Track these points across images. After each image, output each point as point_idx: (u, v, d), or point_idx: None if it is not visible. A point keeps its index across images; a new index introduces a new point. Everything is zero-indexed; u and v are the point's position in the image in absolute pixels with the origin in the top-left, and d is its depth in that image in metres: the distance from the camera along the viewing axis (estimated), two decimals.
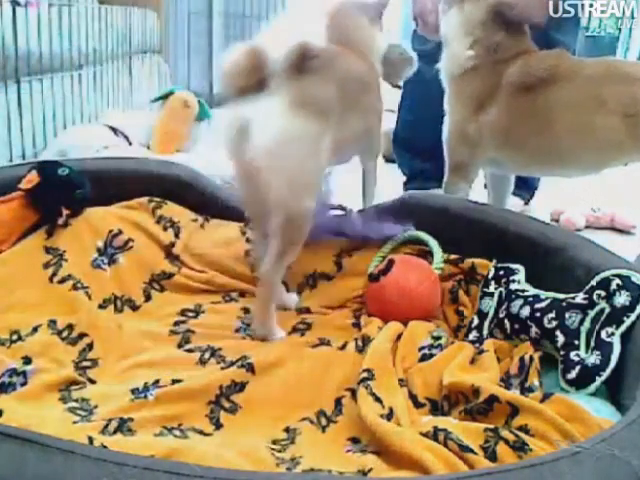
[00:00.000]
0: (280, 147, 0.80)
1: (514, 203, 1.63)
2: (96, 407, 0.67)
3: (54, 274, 0.86)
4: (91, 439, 0.57)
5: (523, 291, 0.79)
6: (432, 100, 1.51)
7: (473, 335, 0.83)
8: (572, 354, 0.68)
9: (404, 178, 1.82)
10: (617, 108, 1.08)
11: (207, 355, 0.77)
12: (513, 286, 0.82)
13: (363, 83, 0.97)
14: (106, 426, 0.63)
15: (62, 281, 0.86)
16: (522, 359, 0.70)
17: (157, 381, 0.70)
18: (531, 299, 0.76)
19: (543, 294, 0.77)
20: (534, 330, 0.73)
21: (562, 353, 0.69)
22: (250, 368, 0.72)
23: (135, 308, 0.90)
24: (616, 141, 1.09)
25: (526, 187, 1.70)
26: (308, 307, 0.92)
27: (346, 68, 0.93)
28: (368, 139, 1.04)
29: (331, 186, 1.13)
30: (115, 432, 0.62)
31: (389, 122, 1.82)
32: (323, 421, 0.68)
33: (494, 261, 0.88)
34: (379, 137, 1.10)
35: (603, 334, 0.68)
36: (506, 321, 0.78)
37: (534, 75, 1.13)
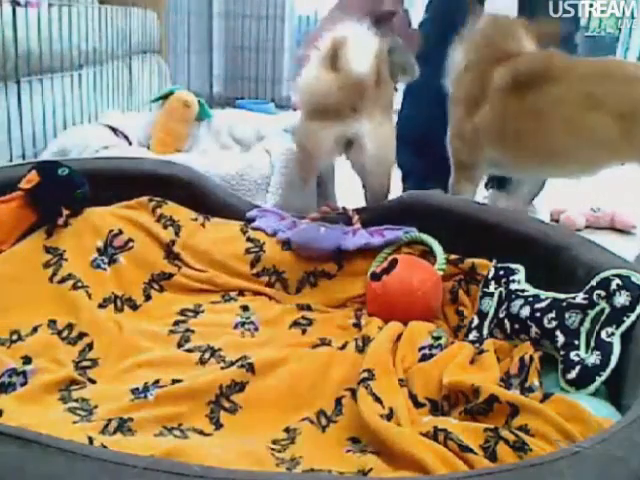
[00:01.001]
0: (387, 154, 1.06)
1: (515, 203, 1.63)
2: (96, 407, 0.67)
3: (54, 274, 0.86)
4: (91, 439, 0.57)
5: (523, 291, 0.79)
6: (429, 99, 1.52)
7: (473, 335, 0.83)
8: (572, 354, 0.68)
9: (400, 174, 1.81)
10: (610, 107, 1.08)
11: (207, 355, 0.77)
12: (513, 286, 0.82)
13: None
14: (106, 426, 0.63)
15: (62, 281, 0.86)
16: (522, 359, 0.69)
17: (157, 381, 0.70)
18: (531, 299, 0.76)
19: (543, 294, 0.77)
20: (534, 330, 0.73)
21: (562, 353, 0.69)
22: (250, 368, 0.72)
23: (135, 308, 0.90)
24: (608, 141, 1.09)
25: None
26: (309, 304, 0.92)
27: None
28: None
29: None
30: (115, 432, 0.62)
31: None
32: (323, 421, 0.68)
33: (494, 261, 0.88)
34: None
35: (603, 334, 0.68)
36: (506, 321, 0.78)
37: (524, 74, 1.13)
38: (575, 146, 1.13)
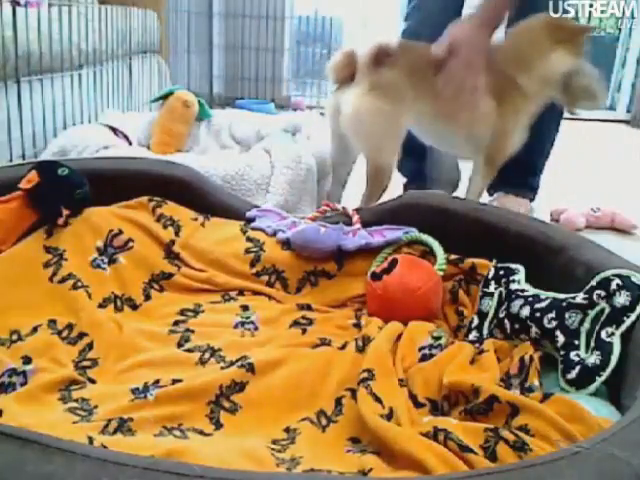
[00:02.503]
0: (357, 116, 1.19)
1: (521, 203, 1.64)
2: (96, 407, 0.67)
3: (54, 274, 0.86)
4: (91, 439, 0.57)
5: (523, 291, 0.79)
6: None
7: (473, 335, 0.83)
8: (572, 354, 0.68)
9: (404, 180, 1.82)
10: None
11: (207, 355, 0.77)
12: (513, 286, 0.82)
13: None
14: (106, 426, 0.63)
15: (62, 281, 0.86)
16: (522, 359, 0.69)
17: (157, 381, 0.70)
18: (531, 299, 0.76)
19: (543, 294, 0.77)
20: (534, 330, 0.73)
21: (562, 353, 0.69)
22: (250, 368, 0.72)
23: (135, 307, 0.90)
24: None
25: (528, 187, 1.70)
26: (309, 304, 0.92)
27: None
28: (472, 135, 1.28)
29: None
30: (115, 432, 0.62)
31: None
32: (323, 421, 0.68)
33: (494, 261, 0.88)
34: (493, 140, 1.29)
35: (603, 334, 0.68)
36: (506, 321, 0.78)
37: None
38: None
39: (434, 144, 1.43)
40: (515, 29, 1.31)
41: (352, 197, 1.20)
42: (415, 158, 1.72)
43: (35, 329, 0.79)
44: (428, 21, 1.54)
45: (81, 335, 0.80)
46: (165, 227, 0.99)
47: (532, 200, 1.72)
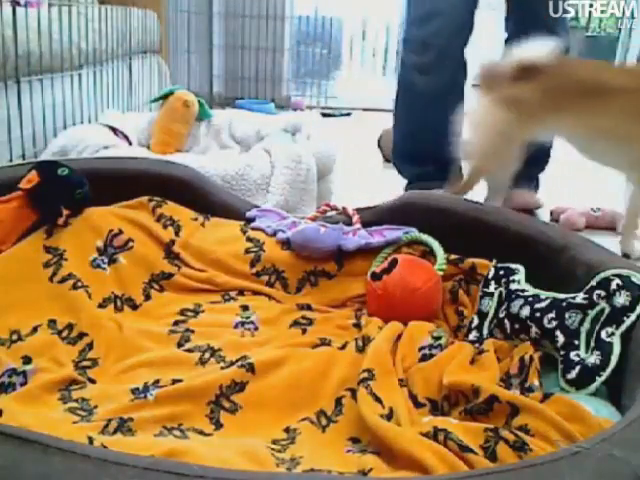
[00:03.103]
0: (477, 122, 1.35)
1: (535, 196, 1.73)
2: (96, 407, 0.67)
3: (54, 274, 0.86)
4: (91, 439, 0.57)
5: (523, 291, 0.79)
6: (427, 109, 1.57)
7: (473, 335, 0.83)
8: (572, 354, 0.68)
9: (405, 181, 1.82)
10: None
11: (207, 355, 0.77)
12: (513, 286, 0.82)
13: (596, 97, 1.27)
14: (106, 426, 0.63)
15: (62, 281, 0.86)
16: (522, 359, 0.69)
17: (157, 381, 0.70)
18: (531, 299, 0.76)
19: (543, 294, 0.77)
20: (534, 330, 0.73)
21: (562, 353, 0.69)
22: (250, 368, 0.72)
23: (135, 307, 0.90)
24: None
25: (537, 182, 1.75)
26: (309, 304, 0.92)
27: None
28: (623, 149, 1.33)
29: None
30: (115, 432, 0.62)
31: (389, 123, 1.83)
32: (323, 421, 0.68)
33: (494, 261, 0.88)
34: None
35: (603, 334, 0.68)
36: (506, 321, 0.78)
37: None
38: None
39: (590, 158, 1.45)
40: None
41: (352, 197, 1.20)
42: (416, 163, 1.73)
43: (35, 329, 0.79)
44: (445, 31, 1.56)
45: (81, 335, 0.80)
46: (165, 227, 0.99)
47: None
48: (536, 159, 1.56)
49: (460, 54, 1.62)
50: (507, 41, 1.68)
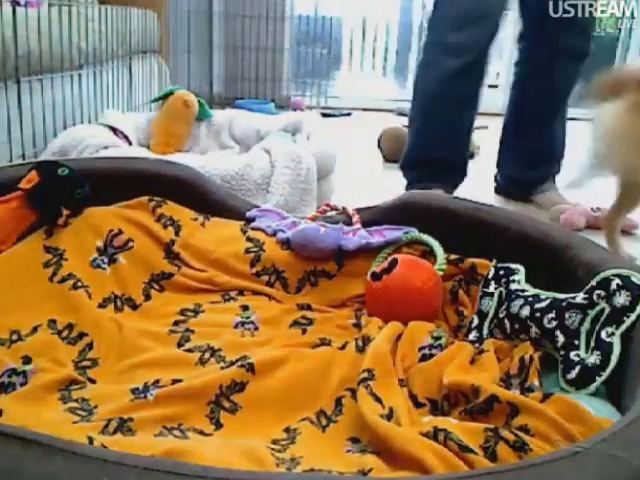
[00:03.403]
0: (613, 134, 1.23)
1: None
2: (96, 407, 0.67)
3: (54, 274, 0.86)
4: (91, 439, 0.57)
5: (523, 291, 0.79)
6: (458, 113, 1.56)
7: (473, 335, 0.83)
8: (572, 354, 0.68)
9: (405, 182, 1.82)
10: None
11: (207, 355, 0.77)
12: (513, 286, 0.82)
13: None
14: (106, 426, 0.63)
15: (62, 281, 0.86)
16: (522, 359, 0.70)
17: (157, 381, 0.70)
18: (531, 299, 0.76)
19: (543, 294, 0.77)
20: (534, 330, 0.73)
21: (562, 353, 0.69)
22: (250, 368, 0.72)
23: (135, 307, 0.90)
24: None
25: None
26: (309, 304, 0.92)
27: None
28: None
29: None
30: (115, 432, 0.62)
31: (389, 123, 1.83)
32: (323, 421, 0.68)
33: (494, 261, 0.88)
34: None
35: (603, 334, 0.68)
36: (506, 321, 0.78)
37: None
38: None
39: None
40: None
41: (352, 197, 1.20)
42: (417, 168, 1.73)
43: (35, 329, 0.79)
44: (486, 35, 1.55)
45: (81, 335, 0.80)
46: (165, 227, 0.99)
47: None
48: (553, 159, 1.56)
49: (489, 58, 1.61)
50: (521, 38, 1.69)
